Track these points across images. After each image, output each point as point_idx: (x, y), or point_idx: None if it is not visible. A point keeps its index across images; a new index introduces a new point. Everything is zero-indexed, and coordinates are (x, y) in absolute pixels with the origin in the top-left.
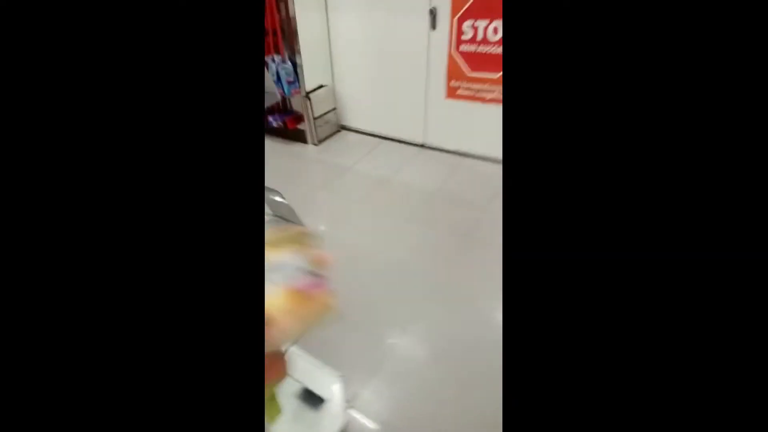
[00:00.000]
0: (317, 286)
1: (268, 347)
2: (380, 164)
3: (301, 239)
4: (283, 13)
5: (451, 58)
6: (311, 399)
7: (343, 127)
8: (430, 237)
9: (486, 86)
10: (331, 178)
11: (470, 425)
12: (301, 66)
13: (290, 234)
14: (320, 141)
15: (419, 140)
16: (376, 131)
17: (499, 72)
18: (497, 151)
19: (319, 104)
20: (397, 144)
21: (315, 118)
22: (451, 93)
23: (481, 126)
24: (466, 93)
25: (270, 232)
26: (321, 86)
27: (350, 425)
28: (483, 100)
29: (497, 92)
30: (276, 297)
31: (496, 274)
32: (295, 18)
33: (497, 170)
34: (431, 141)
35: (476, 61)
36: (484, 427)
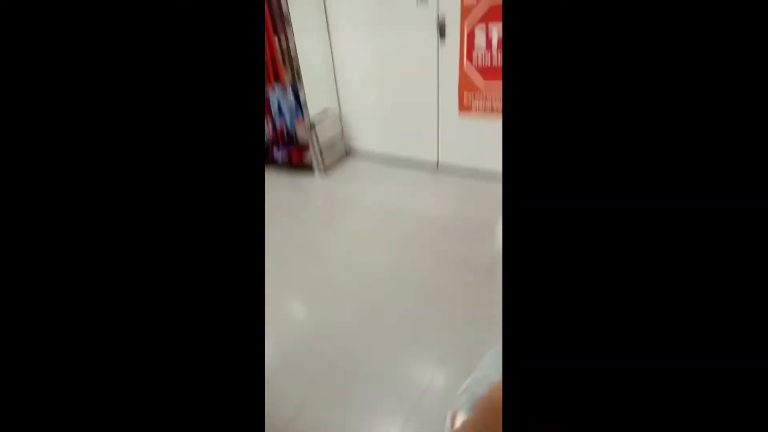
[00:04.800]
0: None
1: None
2: (392, 191)
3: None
4: (282, 38)
5: (462, 69)
6: None
7: (352, 150)
8: (447, 277)
9: (500, 95)
10: (340, 210)
11: None
12: (304, 94)
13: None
14: (327, 169)
15: (433, 160)
16: (387, 152)
17: None
18: None
19: (325, 130)
20: (410, 165)
21: (321, 149)
22: (464, 107)
23: (498, 141)
24: (480, 105)
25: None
26: (325, 110)
27: None
28: (498, 111)
29: None
30: None
31: None
32: (294, 42)
33: None
34: (445, 160)
35: (489, 71)
36: None
